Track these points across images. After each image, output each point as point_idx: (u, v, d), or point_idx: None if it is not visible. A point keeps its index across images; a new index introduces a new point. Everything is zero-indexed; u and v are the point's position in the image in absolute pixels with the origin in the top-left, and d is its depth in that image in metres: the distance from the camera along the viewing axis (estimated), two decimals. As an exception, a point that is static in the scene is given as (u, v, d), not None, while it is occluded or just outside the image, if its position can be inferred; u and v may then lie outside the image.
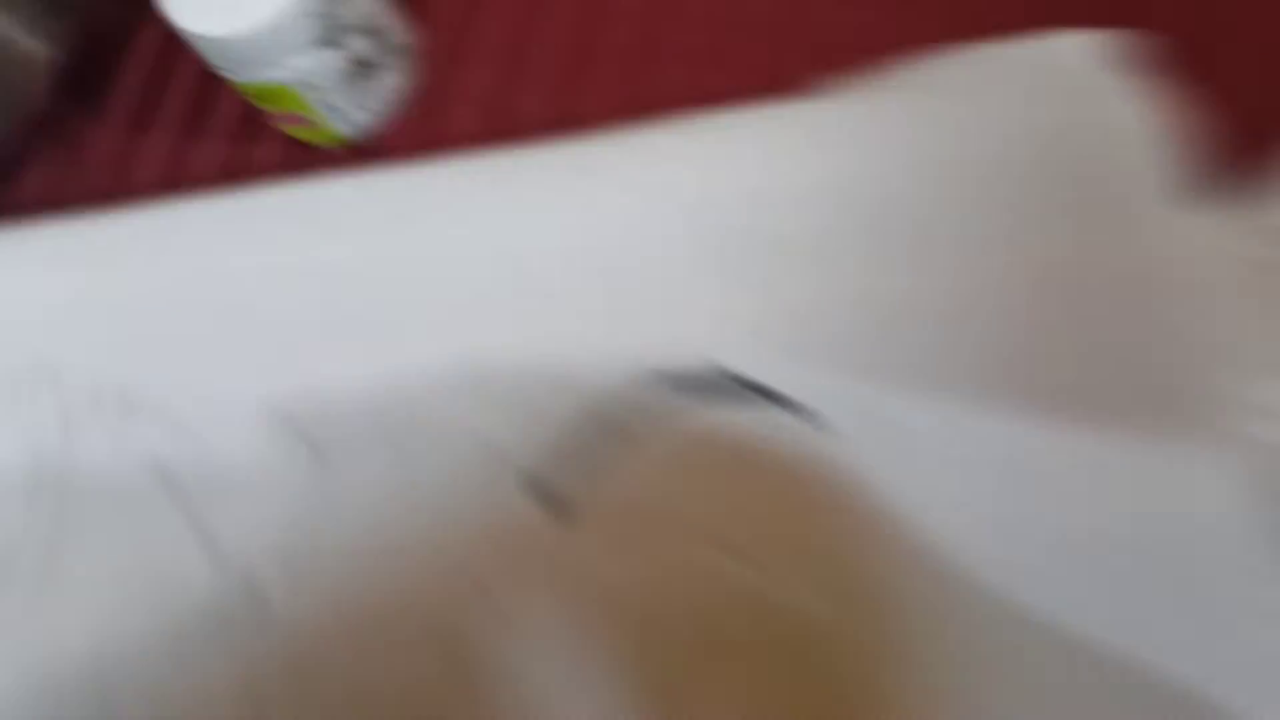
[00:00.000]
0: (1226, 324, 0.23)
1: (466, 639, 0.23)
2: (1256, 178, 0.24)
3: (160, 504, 0.24)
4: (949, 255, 0.23)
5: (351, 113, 0.29)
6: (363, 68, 0.29)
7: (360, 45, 0.28)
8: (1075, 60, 0.24)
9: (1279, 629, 0.20)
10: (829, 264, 0.24)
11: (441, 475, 0.24)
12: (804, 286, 0.24)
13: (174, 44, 0.30)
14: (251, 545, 0.24)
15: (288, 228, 0.25)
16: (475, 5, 0.32)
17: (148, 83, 0.33)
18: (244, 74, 0.27)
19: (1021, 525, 0.22)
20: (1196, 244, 0.23)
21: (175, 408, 0.25)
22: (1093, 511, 0.22)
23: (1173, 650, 0.20)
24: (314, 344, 0.25)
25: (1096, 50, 0.24)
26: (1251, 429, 0.22)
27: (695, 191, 0.25)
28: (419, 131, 0.30)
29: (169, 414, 0.25)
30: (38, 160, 0.33)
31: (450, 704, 0.22)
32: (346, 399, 0.24)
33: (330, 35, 0.27)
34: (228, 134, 0.32)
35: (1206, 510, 0.21)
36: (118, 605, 0.24)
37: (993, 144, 0.24)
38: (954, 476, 0.22)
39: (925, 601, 0.21)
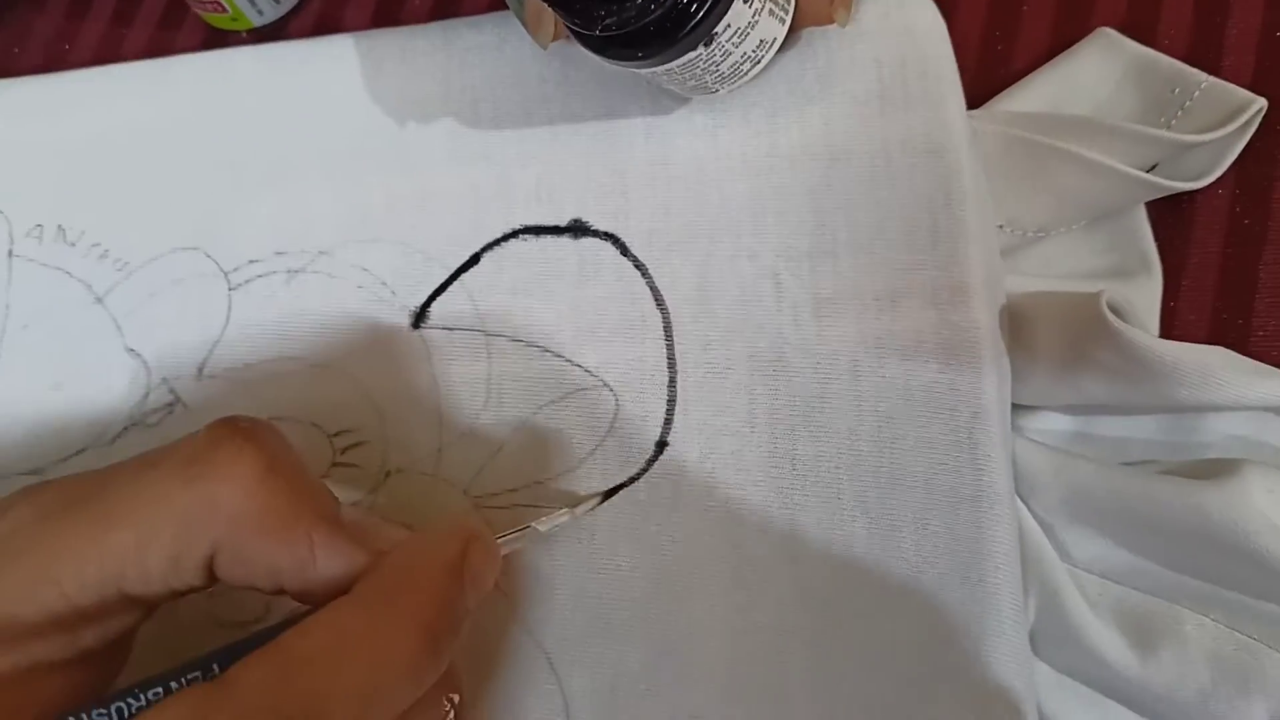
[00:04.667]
0: (989, 183, 0.29)
1: (348, 430, 0.29)
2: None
3: (96, 323, 0.30)
4: (758, 133, 0.29)
5: (263, 2, 0.35)
6: (273, -37, 0.35)
7: (270, -59, 0.34)
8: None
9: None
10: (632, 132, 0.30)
11: (332, 303, 0.30)
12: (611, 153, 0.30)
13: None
14: (172, 354, 0.30)
15: (192, 85, 0.31)
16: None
17: (84, -26, 0.38)
18: (166, -38, 0.33)
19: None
20: (967, 122, 0.29)
21: (108, 243, 0.31)
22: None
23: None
24: (225, 191, 0.31)
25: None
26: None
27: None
28: (319, 21, 0.36)
29: (101, 248, 0.31)
30: (-21, 44, 0.38)
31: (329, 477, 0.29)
32: (255, 239, 0.31)
33: (242, -70, 0.32)
34: (154, 22, 0.37)
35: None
36: (52, 399, 0.30)
37: (798, 60, 0.30)
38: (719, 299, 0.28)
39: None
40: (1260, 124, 0.29)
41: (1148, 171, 0.29)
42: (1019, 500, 0.28)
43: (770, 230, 0.28)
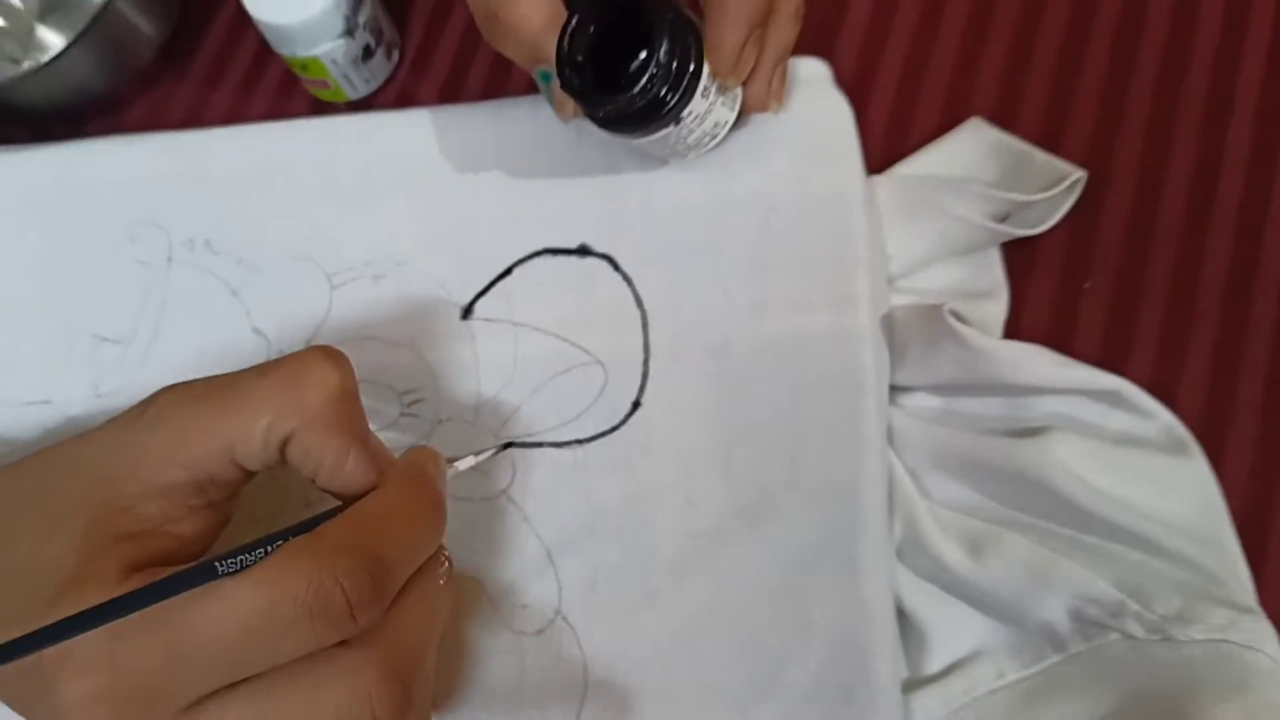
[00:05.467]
0: (884, 226, 0.41)
1: (412, 390, 0.40)
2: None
3: (231, 310, 0.42)
4: (716, 187, 0.41)
5: (357, 81, 0.47)
6: (366, 52, 0.47)
7: (366, 37, 0.46)
8: (807, 73, 0.42)
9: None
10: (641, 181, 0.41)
11: (405, 299, 0.41)
12: (627, 198, 0.41)
13: (241, 27, 0.48)
14: (288, 333, 0.41)
15: (307, 141, 0.43)
16: (443, 12, 0.50)
17: (219, 54, 0.51)
18: (289, 50, 0.45)
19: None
20: (865, 183, 0.41)
21: (243, 253, 0.43)
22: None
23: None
24: (329, 216, 0.42)
25: (820, 68, 0.42)
26: (888, 295, 0.40)
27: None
28: (399, 97, 0.48)
29: (236, 256, 0.43)
30: (137, 106, 0.50)
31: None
32: (350, 252, 0.42)
33: (349, 28, 0.45)
34: (271, 93, 0.49)
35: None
36: (196, 364, 0.41)
37: (741, 135, 0.41)
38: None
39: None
40: (1085, 189, 0.40)
41: (1001, 221, 0.40)
42: (894, 454, 0.39)
43: (723, 255, 0.39)
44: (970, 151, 0.42)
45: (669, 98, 0.35)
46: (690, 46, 0.35)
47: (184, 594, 0.25)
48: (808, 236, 0.39)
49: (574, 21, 0.35)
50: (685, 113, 0.36)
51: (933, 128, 0.43)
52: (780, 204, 0.40)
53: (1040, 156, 0.41)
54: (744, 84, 0.38)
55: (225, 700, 0.25)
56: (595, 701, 0.36)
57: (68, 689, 0.25)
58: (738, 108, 0.38)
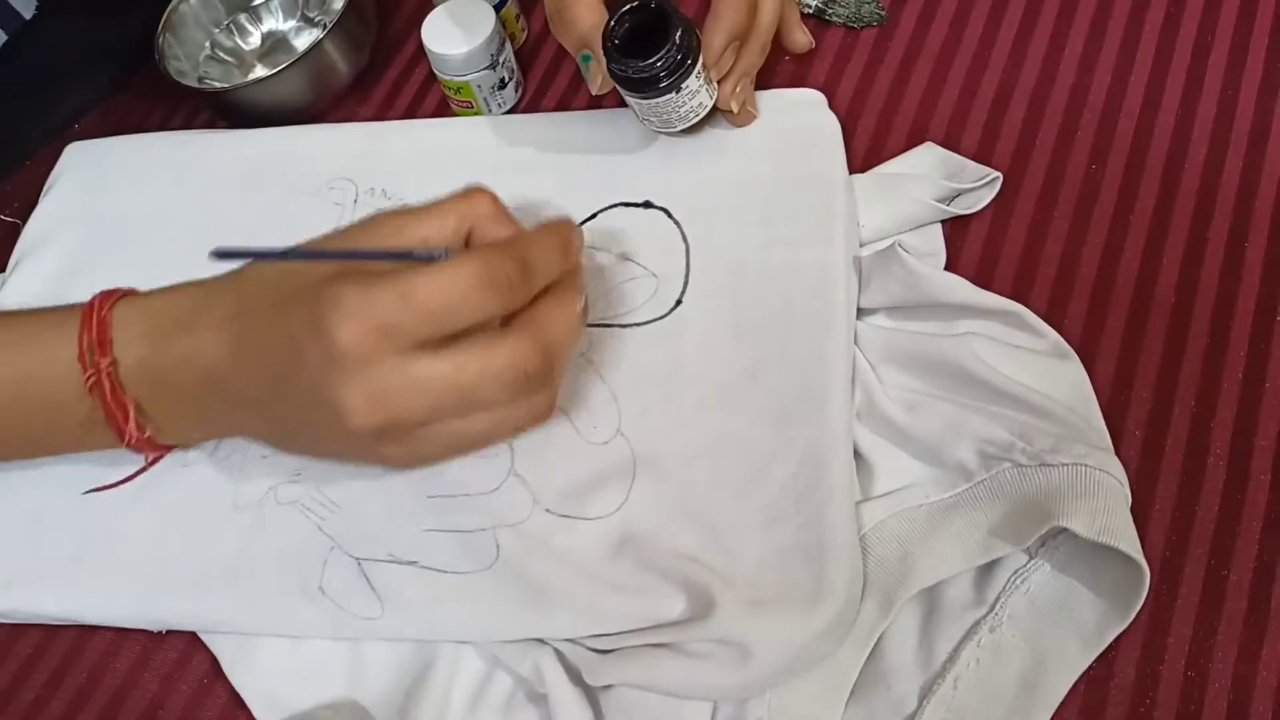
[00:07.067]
0: (859, 203, 0.58)
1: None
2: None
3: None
4: (737, 164, 0.59)
5: (493, 105, 0.66)
6: (501, 83, 0.66)
7: (503, 71, 0.65)
8: (809, 98, 0.61)
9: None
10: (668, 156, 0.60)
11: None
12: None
13: (410, 70, 0.69)
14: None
15: (460, 131, 0.62)
16: (552, 71, 0.69)
17: (394, 86, 0.71)
18: (449, 74, 0.65)
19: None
20: (847, 174, 0.58)
21: (407, 198, 0.61)
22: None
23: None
24: (474, 176, 0.61)
25: (819, 96, 0.61)
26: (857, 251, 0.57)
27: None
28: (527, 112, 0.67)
29: (400, 199, 0.61)
30: (329, 119, 0.70)
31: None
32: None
33: (493, 63, 0.64)
34: (429, 112, 0.69)
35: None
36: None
37: (761, 134, 0.60)
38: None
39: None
40: (1002, 186, 0.58)
41: (943, 203, 0.57)
42: (859, 351, 0.55)
43: (743, 210, 0.57)
44: (926, 160, 0.60)
45: (676, 69, 0.51)
46: (693, 42, 0.52)
47: (414, 265, 0.41)
48: (803, 200, 0.57)
49: (615, 19, 0.52)
50: (684, 85, 0.52)
51: (900, 148, 0.61)
52: (785, 179, 0.57)
53: (971, 164, 0.58)
54: (720, 84, 0.56)
55: (433, 352, 0.40)
56: (640, 485, 0.51)
57: (339, 328, 0.39)
58: (713, 100, 0.56)
